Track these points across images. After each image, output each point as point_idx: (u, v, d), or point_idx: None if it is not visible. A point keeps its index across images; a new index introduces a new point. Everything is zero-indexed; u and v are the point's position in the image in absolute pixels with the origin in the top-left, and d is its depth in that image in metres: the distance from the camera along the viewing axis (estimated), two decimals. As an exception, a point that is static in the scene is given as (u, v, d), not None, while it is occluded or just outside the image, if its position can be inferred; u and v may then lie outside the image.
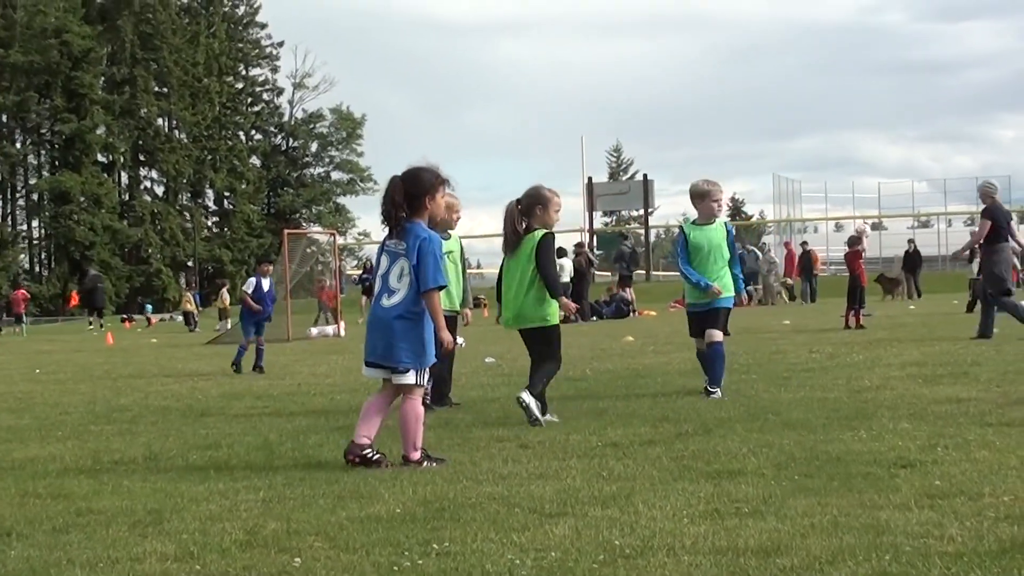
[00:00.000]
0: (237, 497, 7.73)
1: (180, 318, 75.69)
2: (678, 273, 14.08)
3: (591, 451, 9.21)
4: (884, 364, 16.23)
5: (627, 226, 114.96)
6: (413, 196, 8.92)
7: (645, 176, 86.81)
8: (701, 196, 13.49)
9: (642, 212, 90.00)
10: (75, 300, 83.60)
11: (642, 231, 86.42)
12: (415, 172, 9.03)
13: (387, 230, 8.98)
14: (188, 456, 9.78)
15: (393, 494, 7.59)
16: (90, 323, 60.07)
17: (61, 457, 10.02)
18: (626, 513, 6.75)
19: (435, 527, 6.53)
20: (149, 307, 68.20)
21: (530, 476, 8.16)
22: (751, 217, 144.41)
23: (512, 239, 11.43)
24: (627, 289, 44.40)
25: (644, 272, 61.23)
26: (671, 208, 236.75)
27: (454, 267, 12.91)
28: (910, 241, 53.15)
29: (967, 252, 25.47)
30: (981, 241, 21.12)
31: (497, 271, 12.12)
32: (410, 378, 8.85)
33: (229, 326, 45.21)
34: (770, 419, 10.64)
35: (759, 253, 52.81)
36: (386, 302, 8.90)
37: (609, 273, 79.05)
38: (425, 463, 8.77)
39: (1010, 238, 21.08)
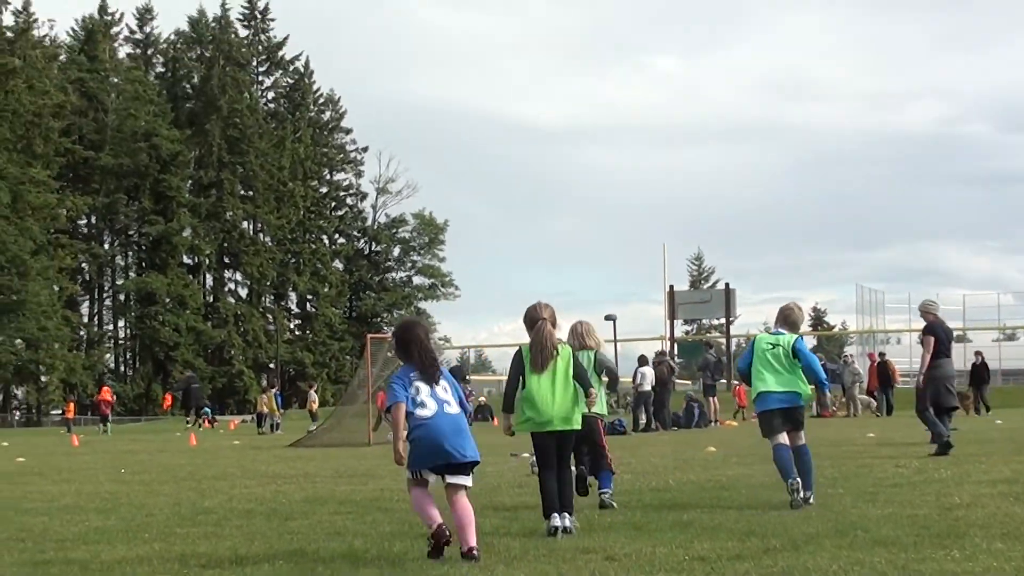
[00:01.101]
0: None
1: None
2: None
3: (678, 565, 9.13)
4: (973, 480, 16.00)
5: (708, 334, 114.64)
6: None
7: (727, 285, 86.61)
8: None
9: (723, 320, 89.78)
10: (168, 402, 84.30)
11: (723, 340, 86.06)
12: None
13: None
14: (275, 562, 9.79)
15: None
16: (187, 421, 60.80)
17: (149, 560, 10.07)
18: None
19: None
20: (208, 410, 68.61)
21: (617, 591, 8.11)
22: (833, 327, 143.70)
23: (551, 355, 11.63)
24: (712, 399, 44.26)
25: (726, 382, 60.89)
26: (752, 317, 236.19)
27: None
28: (977, 354, 52.35)
29: None
30: None
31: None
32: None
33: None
34: (859, 535, 10.51)
35: (844, 364, 52.30)
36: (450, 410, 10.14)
37: (690, 382, 78.83)
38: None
39: None
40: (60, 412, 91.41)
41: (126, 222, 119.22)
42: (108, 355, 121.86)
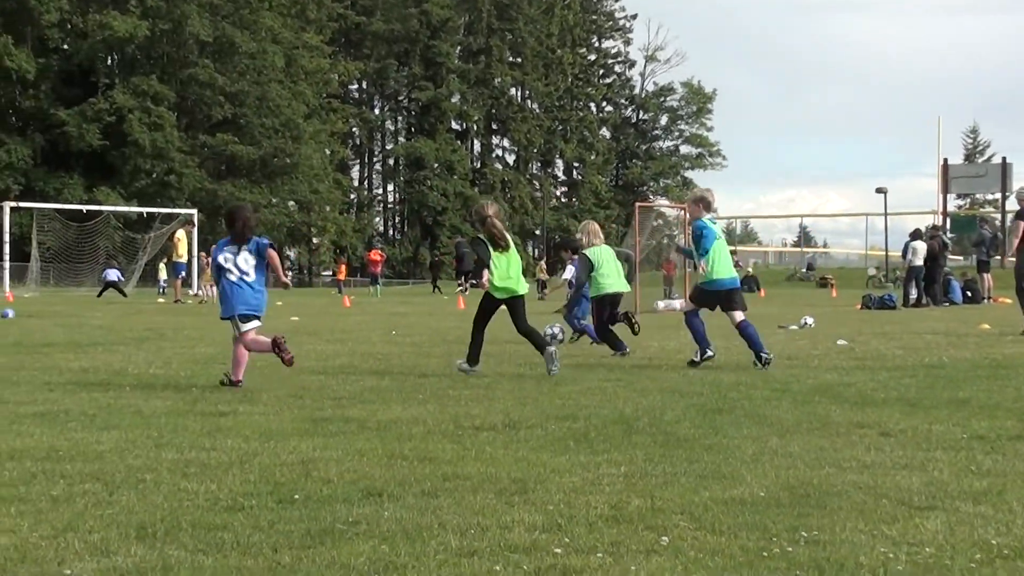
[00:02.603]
0: (599, 471, 7.75)
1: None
2: None
3: (956, 443, 8.91)
4: None
5: (982, 210, 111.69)
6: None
7: (1004, 159, 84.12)
8: None
9: (998, 196, 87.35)
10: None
11: (998, 215, 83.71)
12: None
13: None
14: (547, 426, 9.85)
15: (756, 477, 7.50)
16: (459, 285, 60.28)
17: (424, 420, 10.22)
18: (1000, 511, 6.51)
19: (801, 513, 6.42)
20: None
21: (895, 466, 7.95)
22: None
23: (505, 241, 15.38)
24: (985, 275, 43.15)
25: (1000, 258, 59.19)
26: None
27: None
28: None
29: None
30: None
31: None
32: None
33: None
34: None
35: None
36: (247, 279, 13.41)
37: (961, 258, 76.96)
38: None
39: None
40: (331, 273, 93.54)
41: (396, 87, 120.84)
42: (377, 219, 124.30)
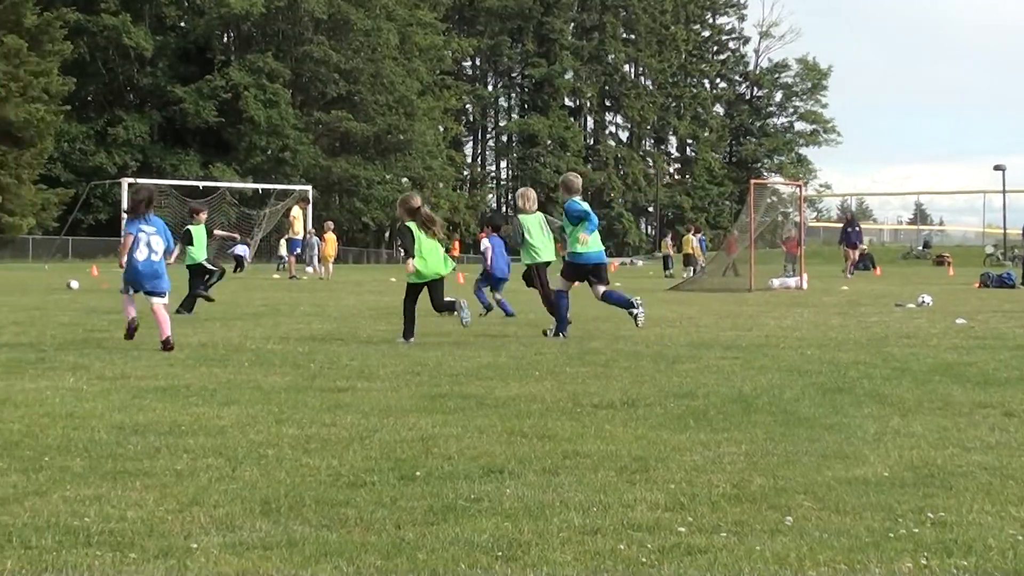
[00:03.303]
0: (719, 449, 7.71)
1: (640, 263, 76.73)
2: None
3: (1083, 424, 8.77)
4: None
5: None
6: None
7: None
8: None
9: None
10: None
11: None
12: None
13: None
14: (666, 404, 9.82)
15: (879, 456, 7.43)
16: None
17: (542, 397, 10.22)
18: None
19: (927, 494, 6.35)
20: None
21: (1020, 446, 7.85)
22: None
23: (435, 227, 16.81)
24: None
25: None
26: None
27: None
28: None
29: None
30: None
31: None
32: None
33: (693, 273, 45.57)
34: None
35: None
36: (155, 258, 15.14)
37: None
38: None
39: None
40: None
41: (509, 64, 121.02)
42: (490, 195, 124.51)
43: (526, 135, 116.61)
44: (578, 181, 17.53)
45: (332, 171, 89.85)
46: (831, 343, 15.72)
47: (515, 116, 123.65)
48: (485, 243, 22.91)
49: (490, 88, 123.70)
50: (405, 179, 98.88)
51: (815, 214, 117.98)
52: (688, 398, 10.18)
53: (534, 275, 19.55)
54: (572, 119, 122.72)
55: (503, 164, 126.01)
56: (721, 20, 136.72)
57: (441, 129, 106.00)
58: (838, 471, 6.99)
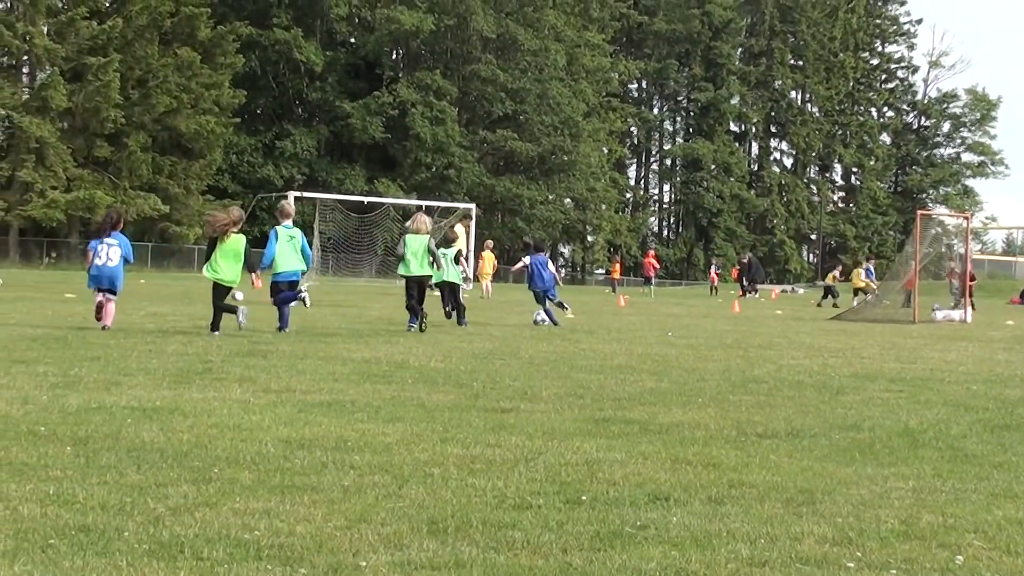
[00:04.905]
0: (886, 484, 7.64)
1: (801, 291, 76.01)
2: None
3: None
4: None
5: None
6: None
7: None
8: None
9: None
10: (735, 274, 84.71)
11: None
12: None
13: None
14: (831, 435, 9.74)
15: (1050, 499, 7.31)
16: (744, 292, 61.04)
17: (705, 425, 10.19)
18: None
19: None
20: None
21: None
22: None
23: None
24: None
25: None
26: None
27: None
28: None
29: None
30: None
31: None
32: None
33: (856, 303, 45.01)
34: None
35: None
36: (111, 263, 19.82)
37: None
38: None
39: None
40: (604, 272, 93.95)
41: (676, 87, 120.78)
42: (652, 218, 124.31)
43: (690, 159, 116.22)
44: (282, 207, 22.61)
45: (495, 190, 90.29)
46: (997, 379, 15.48)
47: (679, 140, 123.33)
48: (525, 261, 25.82)
49: (655, 111, 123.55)
50: (568, 200, 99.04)
51: (979, 246, 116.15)
52: (853, 430, 10.09)
53: (411, 288, 22.48)
54: (737, 144, 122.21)
55: (666, 187, 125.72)
56: (890, 48, 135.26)
57: (605, 151, 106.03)
58: (1008, 511, 6.89)
